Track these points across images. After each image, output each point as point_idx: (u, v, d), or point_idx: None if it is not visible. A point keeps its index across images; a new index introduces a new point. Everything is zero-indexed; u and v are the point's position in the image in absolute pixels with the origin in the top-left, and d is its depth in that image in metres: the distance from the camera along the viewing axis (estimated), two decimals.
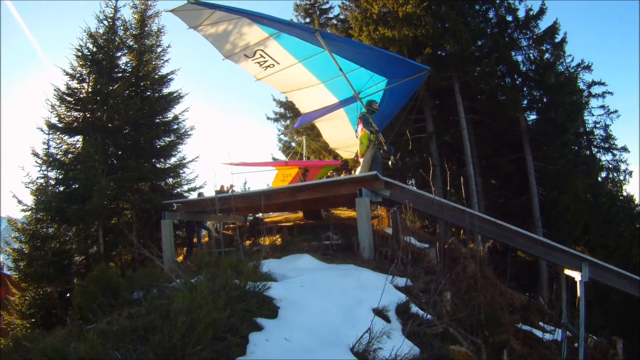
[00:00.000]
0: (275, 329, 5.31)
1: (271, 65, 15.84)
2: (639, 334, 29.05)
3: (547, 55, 32.45)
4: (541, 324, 16.22)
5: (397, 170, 19.31)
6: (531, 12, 31.94)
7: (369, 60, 15.23)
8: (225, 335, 4.87)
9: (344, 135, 19.64)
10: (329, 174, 23.96)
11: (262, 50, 15.04)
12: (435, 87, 29.59)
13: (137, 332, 5.01)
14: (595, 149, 39.81)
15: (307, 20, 42.19)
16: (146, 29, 21.37)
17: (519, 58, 32.37)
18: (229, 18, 13.40)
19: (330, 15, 42.86)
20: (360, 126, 15.02)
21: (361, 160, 15.25)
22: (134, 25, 21.29)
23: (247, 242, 15.91)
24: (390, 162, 15.21)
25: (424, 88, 27.62)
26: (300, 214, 20.59)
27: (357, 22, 30.76)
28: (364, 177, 13.37)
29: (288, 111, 43.24)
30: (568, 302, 13.60)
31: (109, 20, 20.38)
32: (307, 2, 42.83)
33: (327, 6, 43.01)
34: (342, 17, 40.08)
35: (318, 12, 42.46)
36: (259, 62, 15.67)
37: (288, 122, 42.62)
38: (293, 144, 37.14)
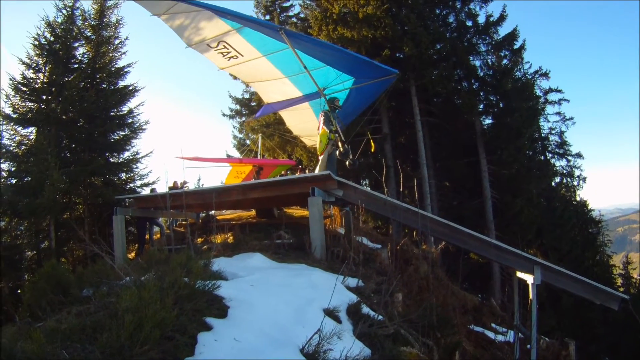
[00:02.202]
0: (225, 329, 5.23)
1: (235, 57, 15.68)
2: (591, 336, 29.68)
3: (505, 61, 32.98)
4: (493, 325, 16.37)
5: (353, 171, 19.29)
6: (491, 18, 32.40)
7: (336, 61, 15.21)
8: (173, 335, 4.76)
9: (308, 125, 19.62)
10: (282, 172, 23.98)
11: (225, 42, 14.90)
12: (392, 89, 29.76)
13: (86, 330, 4.88)
14: (550, 155, 40.62)
15: (268, 17, 42.14)
16: (105, 20, 21.16)
17: (477, 63, 32.86)
18: (191, 9, 13.32)
19: (291, 14, 42.96)
20: (321, 123, 15.01)
21: (320, 158, 15.26)
22: (92, 16, 21.03)
23: (199, 240, 15.77)
24: (347, 163, 15.19)
25: None
26: (253, 212, 20.48)
27: (317, 22, 30.77)
28: (316, 176, 13.35)
29: (244, 108, 43.22)
30: (520, 304, 13.74)
31: (68, 9, 20.10)
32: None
33: (287, 4, 43.17)
34: (302, 15, 40.12)
35: (279, 10, 42.46)
36: (222, 53, 15.52)
37: (244, 119, 42.55)
38: (248, 142, 37.01)
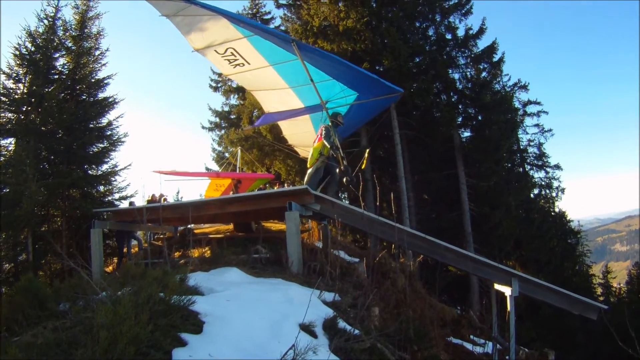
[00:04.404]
0: (200, 345, 5.21)
1: (241, 64, 15.61)
2: (571, 346, 29.89)
3: (484, 74, 33.23)
4: (472, 337, 16.40)
5: (348, 188, 19.29)
6: (471, 32, 32.86)
7: (343, 75, 15.18)
8: (148, 351, 4.74)
9: (306, 135, 19.59)
10: (261, 186, 23.95)
11: (233, 49, 14.83)
12: None
13: (62, 346, 4.86)
14: (529, 167, 41.01)
15: None
16: (86, 30, 20.94)
17: (456, 76, 33.25)
18: (203, 13, 13.29)
19: (272, 26, 42.58)
20: (319, 137, 14.97)
21: (309, 170, 15.27)
22: (74, 26, 20.78)
23: (177, 254, 15.57)
24: (344, 180, 15.20)
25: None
26: (231, 226, 20.37)
27: (297, 34, 30.61)
28: (294, 190, 13.33)
29: (223, 121, 43.37)
30: (498, 316, 13.80)
31: (50, 19, 19.92)
32: (249, 11, 42.91)
33: (269, 17, 43.38)
34: (282, 28, 40.03)
35: (259, 22, 42.01)
36: (228, 60, 15.45)
37: (223, 131, 42.61)
38: (227, 155, 36.96)
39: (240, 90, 42.15)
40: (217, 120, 44.79)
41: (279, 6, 38.12)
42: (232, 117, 43.12)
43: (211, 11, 12.96)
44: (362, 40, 29.50)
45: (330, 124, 15.08)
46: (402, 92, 15.92)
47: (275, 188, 22.52)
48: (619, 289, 46.14)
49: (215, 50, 15.15)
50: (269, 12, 43.74)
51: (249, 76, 16.58)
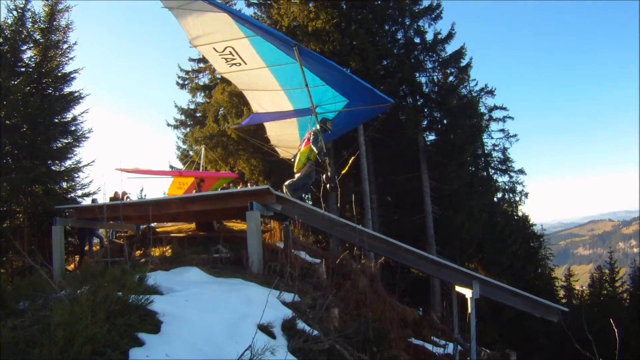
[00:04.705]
0: (157, 345, 5.19)
1: (237, 64, 15.50)
2: (533, 347, 30.26)
3: (451, 79, 33.46)
4: (434, 338, 16.51)
5: (332, 193, 19.26)
6: (439, 36, 33.05)
7: (337, 82, 15.17)
8: (105, 350, 4.71)
9: (289, 137, 19.56)
10: (224, 185, 23.85)
11: (232, 48, 14.74)
12: None
13: (20, 345, 4.81)
14: (493, 171, 41.34)
15: None
16: (54, 23, 20.61)
17: (423, 79, 33.40)
18: (210, 10, 13.22)
19: None
20: (306, 141, 14.95)
21: (296, 175, 15.25)
22: (42, 19, 20.34)
23: (138, 252, 15.41)
24: (328, 186, 15.22)
25: None
26: (193, 225, 20.02)
27: None
28: (255, 190, 13.37)
29: (189, 118, 43.09)
30: (460, 317, 13.93)
31: (19, 10, 19.66)
32: None
33: None
34: None
35: None
36: (225, 58, 15.35)
37: (188, 129, 42.31)
38: (191, 153, 36.72)
39: (207, 88, 42.37)
40: (183, 117, 44.50)
41: (249, 4, 37.93)
42: (198, 115, 42.92)
43: (218, 8, 12.95)
44: (331, 42, 29.46)
45: (318, 129, 15.13)
46: (393, 102, 15.98)
47: (239, 187, 22.45)
48: (581, 291, 46.71)
49: (214, 48, 15.09)
50: (239, 10, 43.08)
51: (244, 76, 16.51)
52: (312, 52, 16.05)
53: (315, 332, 7.04)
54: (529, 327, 31.47)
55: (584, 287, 48.46)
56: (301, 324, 7.26)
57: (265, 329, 6.53)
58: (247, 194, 12.99)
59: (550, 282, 41.86)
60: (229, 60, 15.60)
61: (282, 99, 17.11)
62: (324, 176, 15.14)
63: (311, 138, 14.71)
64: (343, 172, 15.92)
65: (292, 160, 16.39)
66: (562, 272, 50.52)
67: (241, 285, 9.31)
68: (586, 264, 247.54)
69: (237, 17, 13.04)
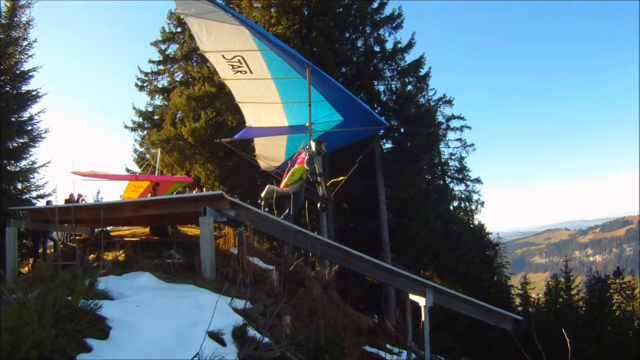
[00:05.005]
0: (105, 351, 5.14)
1: (243, 72, 15.52)
2: (489, 355, 30.44)
3: (409, 87, 33.49)
4: (388, 346, 16.51)
5: (322, 211, 19.14)
6: (399, 45, 33.04)
7: (338, 101, 15.18)
8: (52, 356, 4.65)
9: (274, 150, 19.49)
10: (179, 189, 23.70)
11: (242, 57, 14.77)
12: None
13: None
14: (449, 179, 41.66)
15: (179, 29, 41.91)
16: (15, 19, 20.30)
17: (381, 88, 33.46)
18: (228, 21, 13.14)
19: None
20: (301, 158, 14.88)
21: (282, 187, 15.18)
22: (3, 14, 19.91)
23: (92, 256, 15.20)
24: (319, 205, 15.20)
25: None
26: (148, 229, 19.81)
27: None
28: (209, 195, 13.36)
29: (146, 121, 42.60)
30: (414, 325, 14.01)
31: None
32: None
33: None
34: None
35: None
36: (232, 65, 15.30)
37: (145, 132, 41.87)
38: (148, 156, 36.29)
39: (166, 91, 41.97)
40: (141, 120, 43.61)
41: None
42: (156, 118, 42.14)
43: (238, 21, 12.90)
44: (291, 48, 29.11)
45: (314, 150, 15.08)
46: (387, 125, 15.99)
47: (195, 192, 22.36)
48: (537, 299, 47.21)
49: (223, 55, 15.08)
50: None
51: (247, 85, 16.44)
52: (321, 71, 16.00)
53: (266, 340, 7.02)
54: (484, 335, 31.72)
55: (540, 295, 49.00)
56: (252, 332, 7.23)
57: (216, 336, 6.50)
58: (201, 199, 12.92)
59: (506, 290, 42.37)
60: (235, 67, 15.58)
61: (278, 113, 17.08)
62: (321, 197, 15.16)
63: (306, 158, 14.71)
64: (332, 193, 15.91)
65: (272, 171, 16.41)
66: (519, 280, 50.99)
67: (193, 291, 9.25)
68: (542, 272, 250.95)
69: (256, 32, 13.07)
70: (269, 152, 20.47)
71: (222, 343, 6.49)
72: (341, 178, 16.10)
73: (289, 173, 15.14)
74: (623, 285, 41.40)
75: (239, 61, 15.06)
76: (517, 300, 44.31)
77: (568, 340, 8.23)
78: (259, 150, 21.85)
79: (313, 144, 15.18)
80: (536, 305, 44.96)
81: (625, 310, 40.24)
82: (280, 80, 15.39)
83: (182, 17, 13.80)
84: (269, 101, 16.75)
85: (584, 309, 41.62)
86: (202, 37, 14.57)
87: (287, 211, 15.13)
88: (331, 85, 15.01)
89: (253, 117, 18.44)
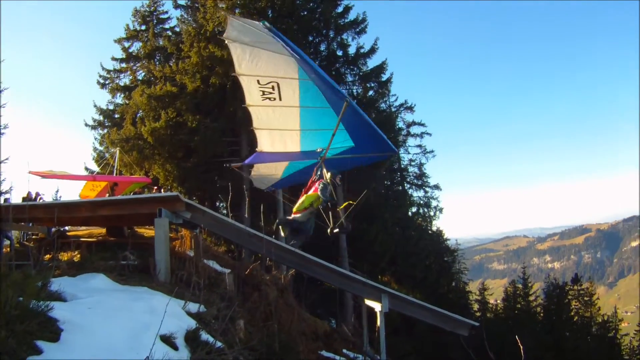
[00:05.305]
0: (55, 353, 5.07)
1: (272, 99, 14.79)
2: None
3: (371, 93, 33.57)
4: (345, 351, 16.55)
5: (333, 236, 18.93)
6: (362, 50, 33.13)
7: (358, 129, 15.03)
8: (1, 358, 4.68)
9: (273, 172, 19.31)
10: (137, 190, 23.50)
11: (277, 84, 14.32)
12: None
13: None
14: (408, 185, 41.80)
15: (144, 27, 41.47)
16: None
17: (343, 92, 33.07)
18: (281, 52, 12.85)
19: (167, 26, 41.96)
20: (315, 186, 14.76)
21: (293, 214, 15.02)
22: None
23: (47, 256, 14.96)
24: (329, 230, 15.11)
25: (242, 111, 28.00)
26: (104, 230, 19.53)
27: (190, 37, 30.43)
28: (164, 197, 13.26)
29: (107, 119, 42.14)
30: (370, 330, 14.08)
31: None
32: (147, 9, 41.80)
33: (165, 16, 42.07)
34: (177, 29, 39.35)
35: (155, 21, 41.52)
36: (263, 91, 14.67)
37: (106, 130, 41.34)
38: (107, 155, 35.85)
39: (127, 89, 41.36)
40: (101, 118, 43.24)
41: (176, 6, 37.58)
42: (116, 116, 41.75)
43: (293, 52, 12.63)
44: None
45: (328, 180, 14.94)
46: (397, 152, 15.78)
47: (153, 192, 22.23)
48: (495, 305, 47.65)
49: (258, 80, 14.56)
50: (167, 12, 42.24)
51: (270, 111, 15.88)
52: (356, 105, 15.68)
53: (219, 344, 7.01)
54: (442, 340, 31.89)
55: (498, 301, 49.49)
56: (205, 336, 7.22)
57: (168, 339, 6.48)
58: (156, 201, 12.82)
59: (464, 296, 42.71)
60: (266, 93, 14.87)
61: (293, 139, 16.68)
62: (339, 226, 15.07)
63: (320, 187, 14.21)
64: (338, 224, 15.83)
65: (266, 189, 16.27)
66: (477, 286, 51.45)
67: (147, 294, 9.22)
68: (501, 278, 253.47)
69: (306, 63, 12.79)
70: (266, 174, 20.26)
71: (174, 347, 6.47)
72: (350, 202, 16.00)
73: (300, 201, 15.02)
74: (581, 292, 41.92)
75: (272, 87, 14.47)
76: (476, 306, 44.57)
77: (522, 346, 8.37)
78: (256, 170, 21.65)
79: (328, 175, 15.08)
80: (494, 311, 45.35)
81: (583, 316, 40.73)
82: (307, 109, 15.06)
83: (226, 42, 13.31)
84: (288, 128, 16.29)
85: (542, 314, 42.07)
86: (242, 61, 14.09)
87: (292, 241, 15.10)
88: (360, 118, 14.85)
89: (267, 142, 18.01)
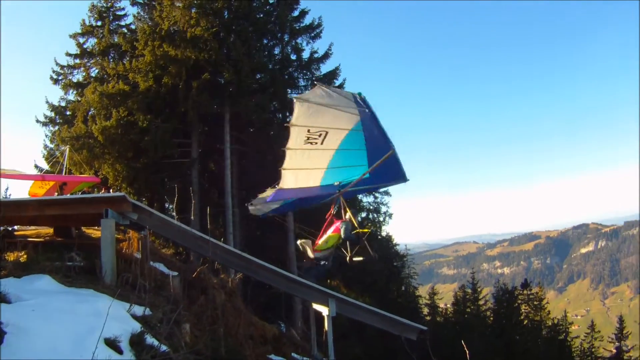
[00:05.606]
0: None
1: (314, 143, 14.50)
2: None
3: None
4: (294, 354, 16.59)
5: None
6: (316, 55, 33.27)
7: (383, 164, 14.81)
8: None
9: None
10: (86, 189, 23.25)
11: (326, 133, 13.89)
12: (206, 113, 30.08)
13: None
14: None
15: (100, 22, 40.70)
16: None
17: (295, 96, 33.10)
18: (350, 111, 12.49)
19: (123, 23, 41.05)
20: (337, 226, 14.59)
21: (313, 253, 14.87)
22: None
23: None
24: (348, 258, 14.97)
25: (194, 113, 28.11)
26: (52, 230, 19.00)
27: (145, 35, 29.88)
28: (111, 197, 13.09)
29: (58, 116, 41.55)
30: (319, 334, 14.14)
31: None
32: (104, 4, 41.20)
33: (122, 12, 41.44)
34: (133, 26, 38.89)
35: (111, 17, 40.56)
36: (309, 137, 14.08)
37: (57, 127, 40.70)
38: (57, 153, 35.19)
39: (80, 86, 40.36)
40: (53, 115, 42.40)
41: (134, 3, 37.21)
42: (68, 113, 41.16)
43: (371, 116, 12.34)
44: (207, 50, 29.15)
45: (349, 220, 14.72)
46: (407, 181, 15.60)
47: (101, 193, 22.01)
48: (445, 309, 48.15)
49: (308, 129, 14.17)
50: (124, 8, 41.52)
51: (306, 154, 15.54)
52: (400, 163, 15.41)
53: (164, 348, 7.00)
54: (391, 345, 32.04)
55: (448, 305, 49.99)
56: (150, 339, 7.20)
57: (112, 343, 6.46)
58: (103, 201, 12.66)
59: (414, 300, 43.10)
60: (310, 139, 14.37)
61: (317, 176, 16.40)
62: (370, 254, 15.05)
63: (342, 227, 14.43)
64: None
65: (262, 215, 16.14)
66: (427, 290, 51.90)
67: (92, 296, 9.16)
68: (450, 283, 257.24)
69: (374, 119, 12.51)
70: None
71: (119, 351, 6.45)
72: (366, 230, 15.93)
73: (324, 239, 14.87)
74: (531, 296, 42.62)
75: (320, 135, 14.02)
76: (425, 310, 45.06)
77: (467, 351, 8.47)
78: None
79: (348, 214, 14.96)
80: (444, 315, 45.85)
81: (533, 320, 41.52)
82: (342, 151, 14.75)
83: (295, 100, 12.97)
84: (317, 167, 16.07)
85: (491, 318, 42.95)
86: (301, 115, 13.70)
87: (312, 270, 15.06)
88: (394, 161, 14.70)
89: (290, 180, 17.58)
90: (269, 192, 17.10)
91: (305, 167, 15.79)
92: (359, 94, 11.94)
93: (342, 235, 14.15)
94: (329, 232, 14.59)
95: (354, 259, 14.58)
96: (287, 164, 16.03)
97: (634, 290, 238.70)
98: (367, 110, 12.16)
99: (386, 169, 14.27)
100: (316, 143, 14.52)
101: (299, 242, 14.69)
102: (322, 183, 15.85)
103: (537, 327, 41.06)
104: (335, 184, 15.08)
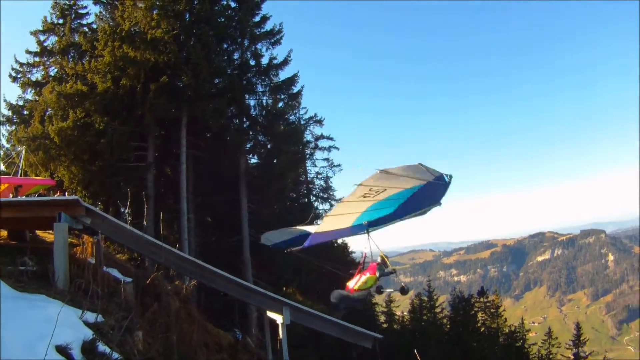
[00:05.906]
0: None
1: (368, 197, 14.45)
2: None
3: (281, 104, 34.01)
4: None
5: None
6: (275, 61, 33.31)
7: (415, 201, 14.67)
8: None
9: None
10: (41, 192, 22.93)
11: (384, 190, 13.77)
12: (163, 117, 29.68)
13: None
14: (314, 198, 42.77)
15: (61, 20, 40.28)
16: None
17: (252, 102, 33.36)
18: (421, 177, 12.27)
19: (85, 22, 40.82)
20: (373, 268, 14.63)
21: (351, 289, 14.83)
22: None
23: None
24: (377, 289, 15.03)
25: (151, 116, 27.88)
26: (5, 233, 18.77)
27: (105, 36, 29.32)
28: (64, 200, 13.01)
29: (16, 115, 41.01)
30: (275, 342, 14.13)
31: None
32: (67, 2, 40.60)
33: (84, 11, 40.92)
34: (94, 26, 38.44)
35: (73, 15, 40.25)
36: (366, 194, 13.99)
37: (14, 127, 40.23)
38: (13, 153, 34.66)
39: (38, 85, 40.06)
40: (10, 114, 41.95)
41: (96, 2, 36.87)
42: (25, 113, 40.71)
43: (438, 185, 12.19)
44: (167, 53, 28.81)
45: (380, 260, 14.66)
46: (440, 204, 15.33)
47: (57, 196, 21.70)
48: (402, 317, 48.25)
49: (370, 188, 13.99)
50: (86, 7, 41.02)
51: (354, 204, 15.38)
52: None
53: (116, 356, 6.95)
54: (349, 353, 32.06)
55: (404, 313, 50.06)
56: (102, 346, 7.15)
57: (64, 350, 6.41)
58: (56, 204, 12.57)
59: (370, 308, 43.04)
60: (367, 195, 14.38)
61: (351, 218, 16.23)
62: (400, 290, 15.12)
63: (378, 270, 13.93)
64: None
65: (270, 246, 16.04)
66: (383, 298, 51.89)
67: (44, 302, 9.02)
68: None
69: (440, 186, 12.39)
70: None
71: (70, 358, 6.40)
72: (395, 268, 15.95)
73: (362, 280, 14.88)
74: (487, 304, 42.74)
75: (378, 192, 14.22)
76: (382, 318, 45.11)
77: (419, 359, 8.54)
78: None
79: (381, 255, 15.00)
80: (401, 323, 45.91)
81: (490, 327, 41.63)
82: (386, 200, 14.73)
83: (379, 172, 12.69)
84: (356, 212, 15.97)
85: (448, 326, 43.04)
86: (369, 182, 13.66)
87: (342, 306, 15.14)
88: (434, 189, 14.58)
89: (328, 224, 17.48)
90: (294, 230, 17.16)
91: (347, 212, 15.81)
92: (450, 176, 11.98)
93: (378, 275, 13.99)
94: (368, 274, 14.23)
95: (381, 290, 14.63)
96: (333, 211, 16.10)
97: (591, 297, 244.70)
98: (440, 182, 12.31)
99: (421, 199, 14.53)
100: (371, 197, 14.58)
101: (333, 299, 14.78)
102: (353, 224, 15.85)
103: (494, 335, 41.27)
104: (364, 223, 14.57)
